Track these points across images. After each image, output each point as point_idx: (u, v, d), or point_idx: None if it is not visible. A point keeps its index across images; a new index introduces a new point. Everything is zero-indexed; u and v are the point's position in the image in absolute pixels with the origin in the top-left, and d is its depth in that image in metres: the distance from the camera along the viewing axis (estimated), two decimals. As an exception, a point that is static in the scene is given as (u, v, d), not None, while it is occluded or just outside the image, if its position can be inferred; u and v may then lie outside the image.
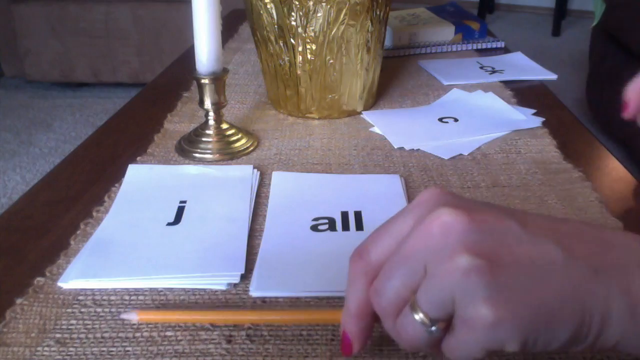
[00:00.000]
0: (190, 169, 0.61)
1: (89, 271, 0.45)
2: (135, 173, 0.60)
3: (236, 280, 0.45)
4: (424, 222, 0.29)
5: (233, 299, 0.43)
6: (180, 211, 0.53)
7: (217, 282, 0.44)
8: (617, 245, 0.29)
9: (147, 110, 0.79)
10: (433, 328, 0.28)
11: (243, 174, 0.60)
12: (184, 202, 0.55)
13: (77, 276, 0.45)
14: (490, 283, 0.26)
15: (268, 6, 0.68)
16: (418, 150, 0.66)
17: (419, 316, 0.28)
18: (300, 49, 0.69)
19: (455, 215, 0.28)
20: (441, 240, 0.28)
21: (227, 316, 0.41)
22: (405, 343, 0.30)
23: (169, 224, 0.52)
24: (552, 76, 0.92)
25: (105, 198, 0.56)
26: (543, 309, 0.26)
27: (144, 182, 0.59)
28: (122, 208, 0.54)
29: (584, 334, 0.27)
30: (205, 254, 0.47)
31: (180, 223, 0.52)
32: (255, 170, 0.61)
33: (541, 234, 0.28)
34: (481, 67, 0.94)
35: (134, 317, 0.40)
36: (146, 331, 0.40)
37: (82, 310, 0.42)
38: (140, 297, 0.43)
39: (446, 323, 0.28)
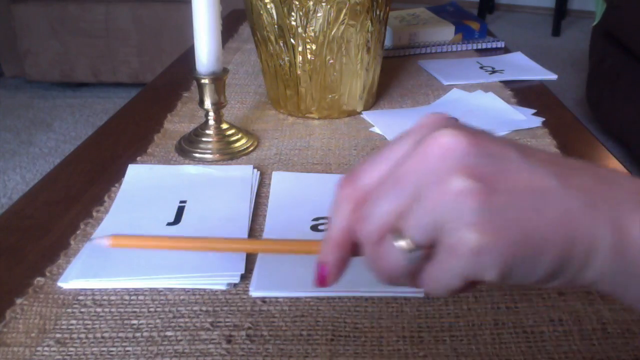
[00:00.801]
0: (190, 169, 0.61)
1: (89, 271, 0.45)
2: (135, 173, 0.60)
3: (236, 280, 0.45)
4: (422, 144, 0.27)
5: (233, 299, 0.43)
6: (180, 211, 0.53)
7: (217, 282, 0.44)
8: (614, 181, 0.28)
9: (147, 110, 0.79)
10: (413, 253, 0.27)
11: (243, 174, 0.60)
12: (184, 202, 0.55)
13: (77, 276, 0.45)
14: (481, 208, 0.25)
15: (268, 6, 0.68)
16: (418, 150, 0.66)
17: (401, 242, 0.27)
18: (300, 49, 0.69)
19: (456, 137, 0.27)
20: (438, 162, 0.26)
21: (205, 244, 0.41)
22: (383, 272, 0.29)
23: (169, 223, 0.52)
24: (552, 76, 0.92)
25: (105, 198, 0.56)
26: (529, 237, 0.26)
27: (144, 182, 0.59)
28: (122, 208, 0.54)
29: (565, 267, 0.26)
30: (205, 254, 0.47)
31: (180, 223, 0.52)
32: (255, 170, 0.61)
33: (539, 163, 0.27)
34: (481, 67, 0.94)
35: (105, 242, 0.39)
36: (146, 331, 0.40)
37: (82, 310, 0.42)
38: (140, 297, 0.43)
39: (427, 252, 0.27)
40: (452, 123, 0.29)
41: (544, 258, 0.26)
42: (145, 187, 0.58)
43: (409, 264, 0.28)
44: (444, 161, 0.26)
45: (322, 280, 0.31)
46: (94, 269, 0.45)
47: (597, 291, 0.28)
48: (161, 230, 0.51)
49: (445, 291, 0.28)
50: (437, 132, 0.27)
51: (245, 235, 0.50)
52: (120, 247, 0.40)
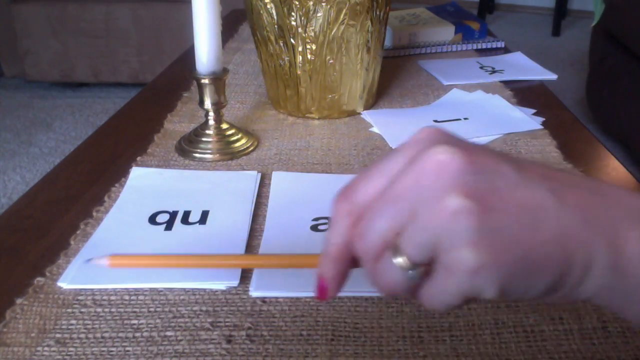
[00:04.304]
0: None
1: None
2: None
3: (234, 284, 0.44)
4: (418, 160, 0.27)
5: (233, 299, 0.43)
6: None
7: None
8: (610, 197, 0.28)
9: (147, 110, 0.79)
10: (411, 272, 0.27)
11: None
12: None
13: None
14: (477, 227, 0.25)
15: (268, 6, 0.68)
16: (418, 150, 0.66)
17: (399, 260, 0.27)
18: (300, 49, 0.69)
19: (452, 154, 0.26)
20: (434, 179, 0.26)
21: (197, 261, 0.41)
22: (383, 287, 0.29)
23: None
24: (552, 76, 0.92)
25: (105, 198, 0.56)
26: (527, 256, 0.26)
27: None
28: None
29: (563, 283, 0.27)
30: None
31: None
32: (256, 172, 0.61)
33: (535, 180, 0.27)
34: (481, 67, 0.94)
35: (104, 261, 0.38)
36: (146, 331, 0.40)
37: (82, 310, 0.42)
38: (140, 297, 0.43)
39: (426, 269, 0.27)
40: (448, 138, 0.28)
41: (542, 275, 0.26)
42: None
43: (407, 281, 0.28)
44: (439, 179, 0.26)
45: (322, 293, 0.31)
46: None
47: (596, 305, 0.28)
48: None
49: (443, 307, 0.28)
50: (432, 149, 0.27)
51: (244, 243, 0.50)
52: (120, 267, 0.40)
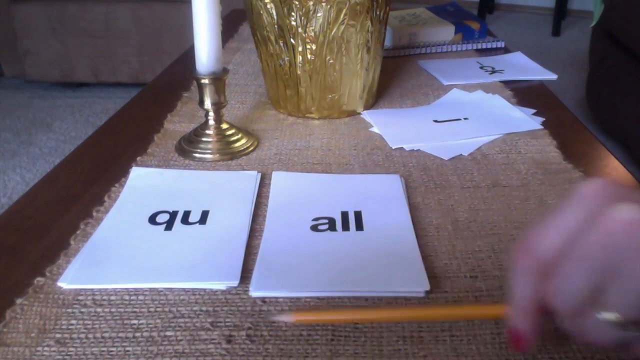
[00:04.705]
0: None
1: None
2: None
3: (234, 284, 0.44)
4: (604, 219, 0.28)
5: (233, 299, 0.43)
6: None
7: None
8: None
9: (147, 110, 0.79)
10: (630, 329, 0.28)
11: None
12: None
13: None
14: None
15: (268, 6, 0.68)
16: (418, 150, 0.66)
17: (611, 317, 0.28)
18: (300, 49, 0.69)
19: (636, 212, 0.27)
20: (627, 239, 0.27)
21: (388, 314, 0.40)
22: (590, 341, 0.30)
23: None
24: (552, 76, 0.92)
25: (105, 198, 0.56)
26: None
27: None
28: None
29: None
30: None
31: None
32: (256, 172, 0.61)
33: None
34: (481, 67, 0.94)
35: (290, 318, 0.38)
36: (146, 331, 0.40)
37: (82, 310, 0.42)
38: (140, 297, 0.43)
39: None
40: (623, 193, 0.29)
41: None
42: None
43: (620, 337, 0.28)
44: (633, 239, 0.27)
45: (520, 345, 0.32)
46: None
47: None
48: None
49: None
50: (614, 207, 0.28)
51: (244, 244, 0.49)
52: (305, 322, 0.40)
